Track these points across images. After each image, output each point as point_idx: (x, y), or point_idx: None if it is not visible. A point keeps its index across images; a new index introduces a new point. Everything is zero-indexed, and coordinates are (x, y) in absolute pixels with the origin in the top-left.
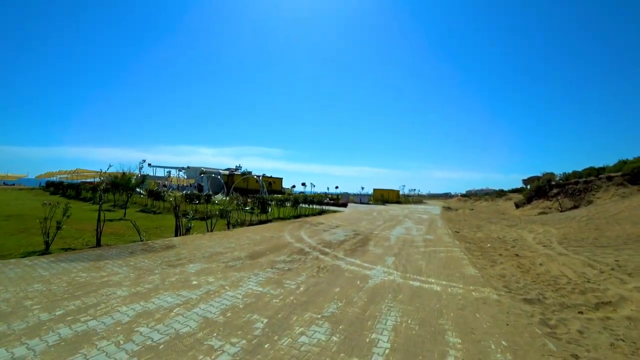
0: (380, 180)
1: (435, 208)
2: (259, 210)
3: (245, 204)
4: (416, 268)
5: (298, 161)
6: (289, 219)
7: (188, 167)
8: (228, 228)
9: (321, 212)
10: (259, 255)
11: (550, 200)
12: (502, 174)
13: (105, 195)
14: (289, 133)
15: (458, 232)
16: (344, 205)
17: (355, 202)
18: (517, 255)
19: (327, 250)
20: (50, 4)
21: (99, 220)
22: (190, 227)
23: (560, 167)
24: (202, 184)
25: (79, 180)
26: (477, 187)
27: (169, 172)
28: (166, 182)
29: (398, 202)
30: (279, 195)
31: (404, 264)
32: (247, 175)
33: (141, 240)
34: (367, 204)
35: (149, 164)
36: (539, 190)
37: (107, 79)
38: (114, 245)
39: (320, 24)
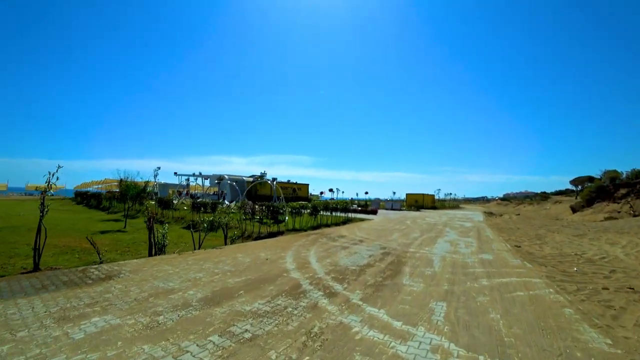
0: (412, 186)
1: (476, 214)
2: (272, 221)
3: (254, 213)
4: (490, 333)
5: (328, 168)
6: (306, 230)
7: (200, 174)
8: (225, 243)
9: (345, 222)
10: (225, 296)
11: (618, 203)
12: (541, 176)
13: (119, 204)
14: (318, 140)
15: (519, 246)
16: (374, 212)
17: (386, 209)
18: (631, 288)
19: (336, 287)
20: (87, 22)
21: (37, 235)
22: (164, 245)
23: (610, 165)
24: (225, 192)
25: (104, 191)
26: (515, 190)
27: (187, 179)
28: (186, 190)
29: (434, 208)
30: (295, 203)
31: (465, 320)
32: (262, 180)
33: (100, 262)
34: (400, 210)
35: (175, 173)
36: (601, 190)
37: (141, 95)
38: (55, 268)
39: (345, 30)
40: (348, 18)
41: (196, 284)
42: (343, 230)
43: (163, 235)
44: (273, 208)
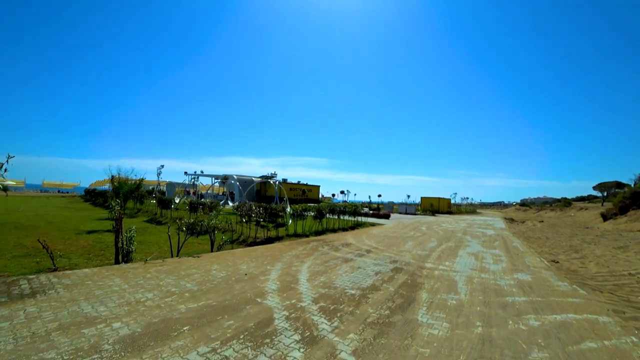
0: (427, 189)
1: (496, 220)
2: (272, 224)
3: (251, 215)
4: None
5: (344, 170)
6: (308, 236)
7: (202, 172)
8: (212, 249)
9: (354, 226)
10: (158, 335)
11: None
12: (560, 182)
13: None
14: (335, 142)
15: (556, 261)
16: (386, 216)
17: (400, 213)
18: None
19: (322, 325)
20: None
21: None
22: (131, 251)
23: (632, 171)
24: (234, 192)
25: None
26: (533, 196)
27: (193, 179)
28: (193, 190)
29: (450, 213)
30: (297, 205)
31: None
32: (266, 180)
33: (54, 269)
34: (414, 214)
35: (185, 172)
36: (637, 197)
37: (160, 98)
38: None
39: (360, 33)
40: (363, 20)
41: (134, 310)
42: (350, 237)
43: (129, 240)
44: (271, 210)
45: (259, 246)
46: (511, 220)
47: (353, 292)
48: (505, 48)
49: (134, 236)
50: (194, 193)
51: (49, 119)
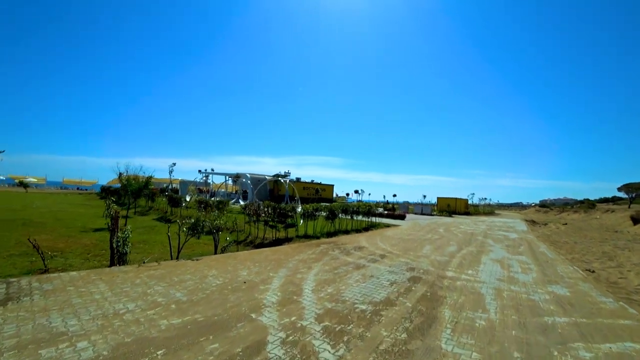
0: (443, 189)
1: (516, 221)
2: (282, 225)
3: (259, 214)
4: None
5: (357, 170)
6: (319, 237)
7: (212, 170)
8: (215, 251)
9: (368, 228)
10: None
11: None
12: (580, 182)
13: (137, 200)
14: (348, 142)
15: (592, 270)
16: (402, 217)
17: (415, 213)
18: None
19: (323, 353)
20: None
21: None
22: (125, 253)
23: None
24: (247, 190)
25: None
26: (552, 197)
27: (204, 177)
28: (206, 188)
29: (467, 213)
30: (308, 205)
31: None
32: (276, 179)
33: (44, 270)
34: (430, 215)
35: (199, 170)
36: None
37: (174, 97)
38: None
39: (372, 33)
40: (374, 19)
41: (108, 326)
42: (363, 239)
43: (123, 241)
44: (280, 210)
45: (265, 248)
46: (532, 222)
47: (364, 307)
48: (518, 44)
49: (128, 237)
50: (207, 191)
51: (73, 118)
